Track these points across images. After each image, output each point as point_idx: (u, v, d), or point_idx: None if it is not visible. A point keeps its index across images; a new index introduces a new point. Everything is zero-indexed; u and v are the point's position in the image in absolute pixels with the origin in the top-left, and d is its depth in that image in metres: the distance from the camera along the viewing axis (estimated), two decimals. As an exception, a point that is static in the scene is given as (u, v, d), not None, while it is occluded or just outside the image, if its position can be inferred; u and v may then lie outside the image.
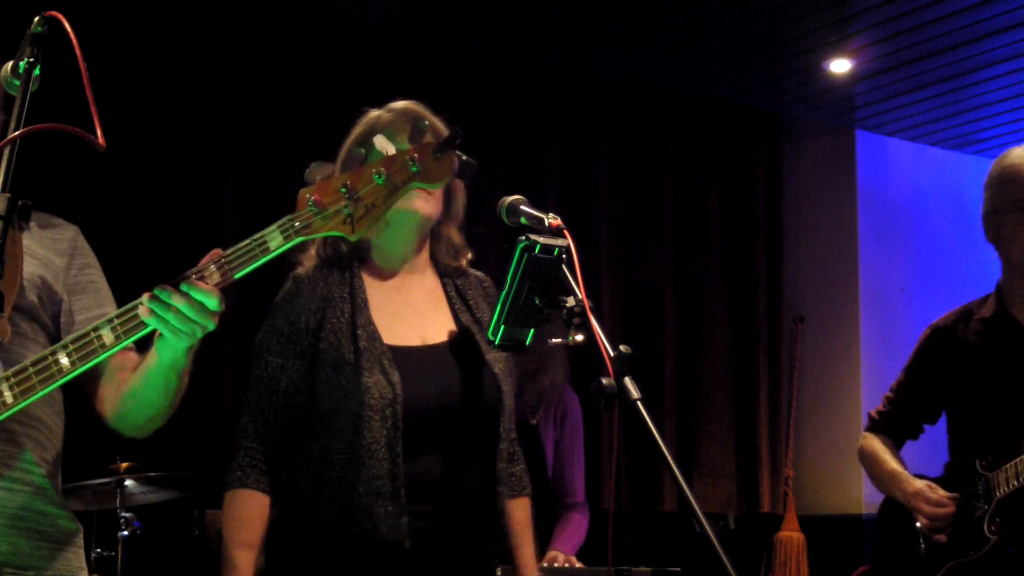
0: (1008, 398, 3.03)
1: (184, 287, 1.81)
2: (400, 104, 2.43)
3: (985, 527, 2.96)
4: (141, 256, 4.64)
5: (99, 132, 1.84)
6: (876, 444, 3.34)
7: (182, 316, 1.82)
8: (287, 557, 2.27)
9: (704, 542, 1.80)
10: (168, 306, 1.82)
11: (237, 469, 2.27)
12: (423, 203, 2.32)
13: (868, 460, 3.35)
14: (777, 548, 6.03)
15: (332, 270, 2.36)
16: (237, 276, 1.84)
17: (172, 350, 1.91)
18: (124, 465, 4.15)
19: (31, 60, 1.90)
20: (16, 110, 1.87)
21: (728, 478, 6.18)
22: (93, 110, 1.86)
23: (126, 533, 4.21)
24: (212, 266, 1.84)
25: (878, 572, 3.30)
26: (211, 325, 1.86)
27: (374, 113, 2.43)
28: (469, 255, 2.49)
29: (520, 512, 2.46)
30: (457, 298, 2.43)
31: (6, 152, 1.83)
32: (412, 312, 2.37)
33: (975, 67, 5.78)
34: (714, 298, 6.31)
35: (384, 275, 2.39)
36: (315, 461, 2.26)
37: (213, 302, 1.83)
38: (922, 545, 3.10)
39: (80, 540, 2.16)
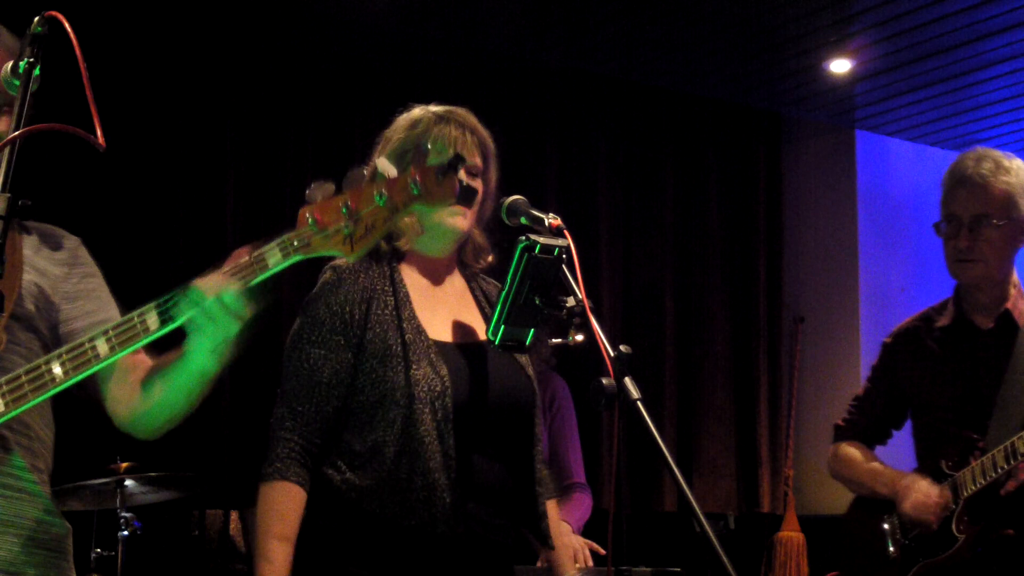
0: (970, 402, 3.08)
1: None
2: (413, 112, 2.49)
3: (953, 526, 2.98)
4: (140, 256, 4.64)
5: (99, 132, 1.84)
6: (849, 449, 3.33)
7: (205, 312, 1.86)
8: (326, 551, 2.25)
9: (704, 542, 1.81)
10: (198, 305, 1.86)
11: (276, 460, 2.23)
12: (461, 220, 2.35)
13: (844, 465, 3.33)
14: (777, 548, 6.02)
15: (371, 263, 2.35)
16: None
17: (203, 351, 1.93)
18: (124, 465, 4.14)
19: (31, 60, 1.90)
20: (16, 110, 1.87)
21: (728, 478, 6.18)
22: (93, 110, 1.86)
23: (126, 533, 4.21)
24: None
25: (848, 575, 3.28)
26: (232, 325, 1.88)
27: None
28: (491, 258, 2.49)
29: (553, 512, 2.49)
30: (484, 301, 2.45)
31: (6, 152, 1.83)
32: (447, 311, 2.38)
33: (975, 67, 5.79)
34: (714, 298, 6.31)
35: (420, 274, 2.40)
36: (360, 455, 2.23)
37: (229, 295, 1.85)
38: (891, 547, 3.11)
39: (70, 544, 2.15)
